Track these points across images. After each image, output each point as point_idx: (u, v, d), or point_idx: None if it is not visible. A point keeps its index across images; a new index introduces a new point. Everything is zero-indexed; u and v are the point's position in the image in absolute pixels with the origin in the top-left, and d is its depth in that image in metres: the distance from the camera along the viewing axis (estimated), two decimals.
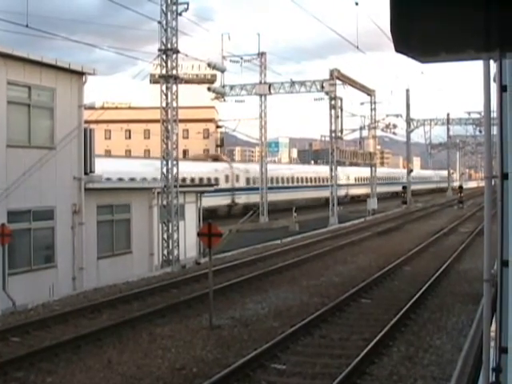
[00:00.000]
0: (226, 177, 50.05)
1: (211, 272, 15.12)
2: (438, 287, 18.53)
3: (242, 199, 48.75)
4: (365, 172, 65.02)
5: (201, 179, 45.20)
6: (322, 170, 58.08)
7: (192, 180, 42.43)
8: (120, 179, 32.40)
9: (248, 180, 52.33)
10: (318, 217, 47.49)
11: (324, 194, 52.02)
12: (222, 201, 41.07)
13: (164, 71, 25.59)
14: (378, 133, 63.21)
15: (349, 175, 71.80)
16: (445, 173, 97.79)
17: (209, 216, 31.62)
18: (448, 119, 78.15)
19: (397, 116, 65.52)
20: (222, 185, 46.35)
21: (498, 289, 4.81)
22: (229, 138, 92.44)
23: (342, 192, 60.35)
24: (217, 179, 45.08)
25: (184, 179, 36.07)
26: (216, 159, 53.97)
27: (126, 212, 23.30)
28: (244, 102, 47.33)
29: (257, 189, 47.97)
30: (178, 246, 25.31)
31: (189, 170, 41.21)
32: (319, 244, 29.97)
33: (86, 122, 22.77)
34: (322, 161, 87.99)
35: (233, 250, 27.34)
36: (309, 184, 63.26)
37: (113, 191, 23.18)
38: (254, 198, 48.16)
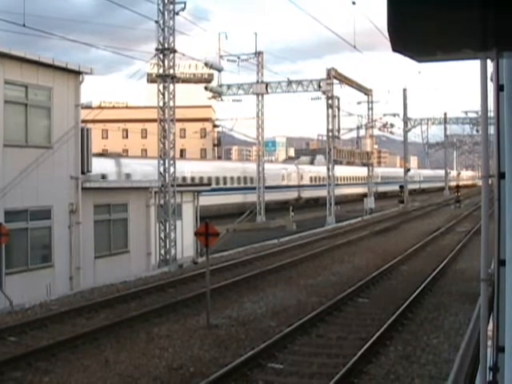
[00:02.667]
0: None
1: (208, 271, 15.13)
2: (435, 286, 18.54)
3: (374, 189, 65.80)
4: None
5: (354, 177, 71.85)
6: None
7: (349, 178, 71.30)
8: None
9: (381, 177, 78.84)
10: (316, 216, 47.51)
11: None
12: (363, 190, 60.45)
13: (161, 71, 25.57)
14: (375, 132, 63.30)
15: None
16: (469, 173, 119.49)
17: (356, 198, 64.31)
18: (445, 118, 78.33)
19: (394, 115, 65.58)
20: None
21: (494, 288, 4.81)
22: (226, 138, 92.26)
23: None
24: (364, 178, 64.50)
25: (341, 177, 65.37)
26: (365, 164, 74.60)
27: (124, 211, 23.27)
28: (241, 102, 47.28)
29: (388, 183, 79.99)
30: (176, 245, 25.29)
31: (349, 172, 70.48)
32: (316, 243, 29.98)
33: (83, 121, 22.72)
34: None
35: (230, 250, 27.33)
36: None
37: (110, 190, 23.14)
38: (385, 188, 77.61)
